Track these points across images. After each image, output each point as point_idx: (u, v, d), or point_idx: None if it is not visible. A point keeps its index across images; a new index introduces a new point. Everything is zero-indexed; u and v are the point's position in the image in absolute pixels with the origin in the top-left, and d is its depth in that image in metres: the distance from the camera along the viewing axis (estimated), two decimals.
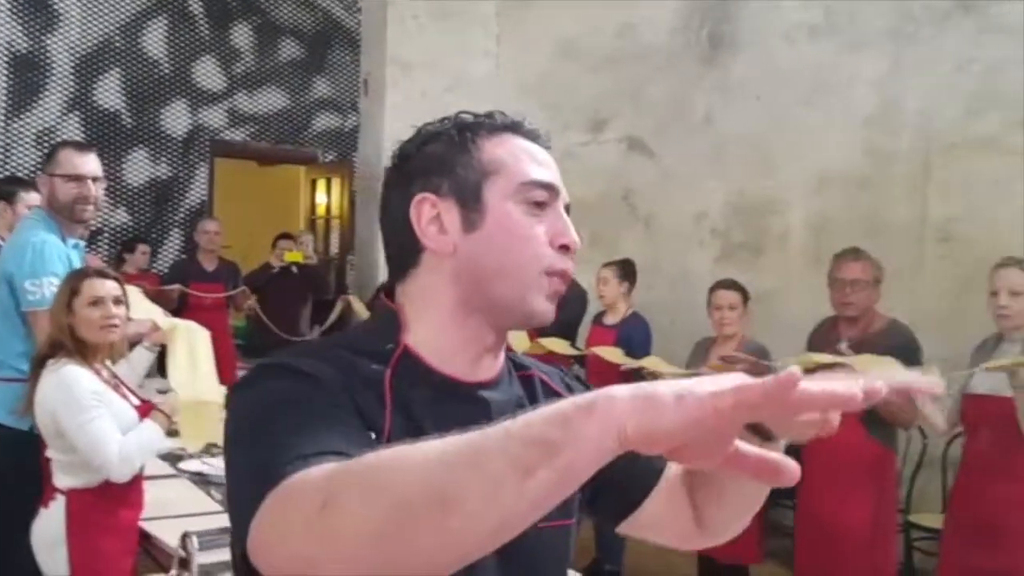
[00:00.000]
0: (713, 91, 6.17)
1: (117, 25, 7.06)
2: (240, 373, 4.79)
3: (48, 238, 2.99)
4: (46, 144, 6.24)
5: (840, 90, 5.38)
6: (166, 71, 7.26)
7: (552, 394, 1.09)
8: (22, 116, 6.74)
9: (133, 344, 2.98)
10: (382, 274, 7.00)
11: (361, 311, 6.41)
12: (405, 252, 1.01)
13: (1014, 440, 2.92)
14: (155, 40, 7.21)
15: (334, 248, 8.08)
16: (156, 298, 5.28)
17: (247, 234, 8.57)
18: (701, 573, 3.89)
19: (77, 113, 6.95)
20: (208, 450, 3.61)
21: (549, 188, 1.00)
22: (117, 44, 7.07)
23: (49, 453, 2.55)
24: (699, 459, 0.67)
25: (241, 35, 7.55)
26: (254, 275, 6.63)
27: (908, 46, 5.09)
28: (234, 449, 0.87)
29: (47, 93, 6.83)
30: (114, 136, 7.08)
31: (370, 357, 0.95)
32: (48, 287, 2.81)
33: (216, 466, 3.38)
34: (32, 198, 3.57)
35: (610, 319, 4.65)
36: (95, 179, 3.05)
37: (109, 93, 7.06)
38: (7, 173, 6.32)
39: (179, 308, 5.72)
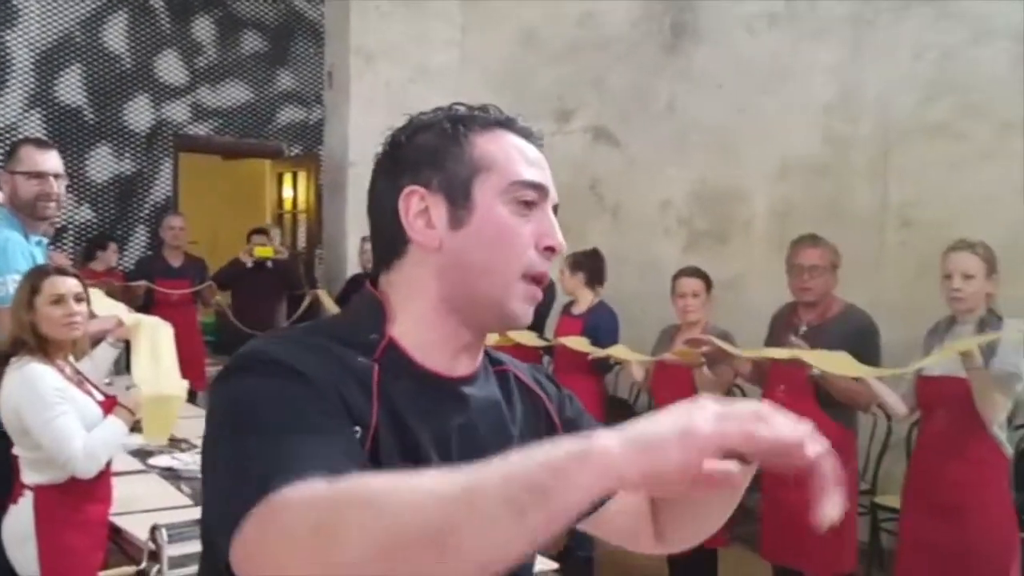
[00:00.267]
0: (676, 80, 6.23)
1: (77, 20, 6.98)
2: (210, 370, 4.81)
3: (11, 236, 2.97)
4: (7, 141, 6.16)
5: (800, 78, 5.45)
6: (128, 66, 7.18)
7: (526, 391, 1.10)
8: None
9: (97, 341, 2.98)
10: (351, 267, 7.00)
11: (330, 305, 6.41)
12: (391, 242, 1.00)
13: (968, 420, 2.98)
14: (116, 35, 7.13)
15: (301, 242, 8.06)
16: (122, 295, 5.28)
17: (213, 229, 8.52)
18: (670, 557, 3.95)
19: (38, 110, 6.86)
20: (177, 445, 3.62)
21: (539, 189, 1.00)
22: (78, 39, 6.99)
23: (16, 450, 2.55)
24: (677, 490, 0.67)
25: (203, 28, 7.49)
26: (225, 271, 6.58)
27: (867, 33, 5.16)
28: (217, 447, 0.85)
29: (7, 90, 6.74)
30: (76, 132, 7.00)
31: (355, 347, 0.94)
32: (11, 284, 2.80)
33: (185, 461, 3.39)
34: None
35: (577, 309, 4.69)
36: (57, 176, 3.03)
37: (70, 89, 6.98)
38: None
39: (145, 305, 5.69)
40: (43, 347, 2.53)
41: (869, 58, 5.14)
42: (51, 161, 3.04)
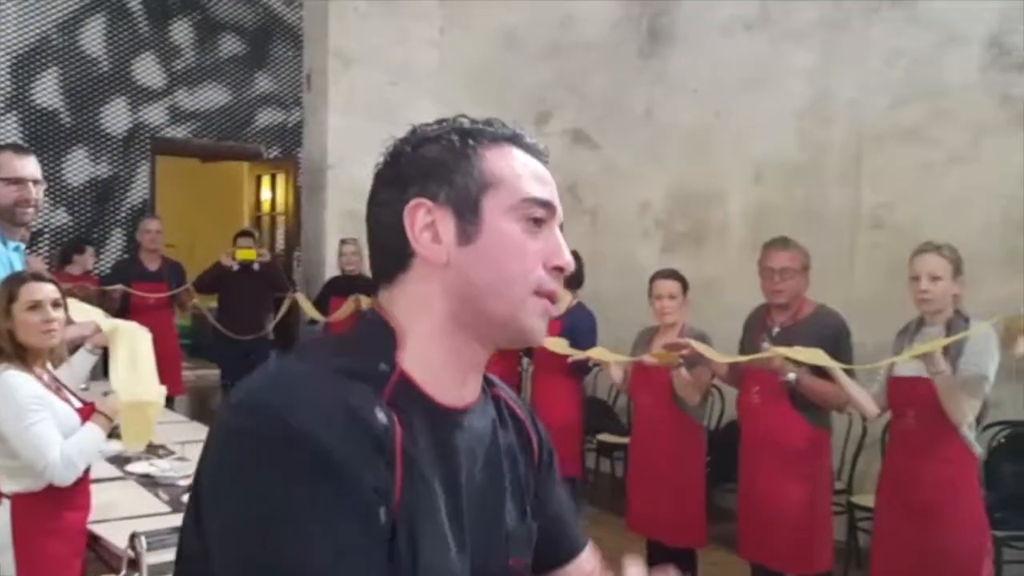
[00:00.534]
0: (653, 84, 6.28)
1: (54, 23, 6.94)
2: (186, 374, 4.77)
3: None
4: None
5: (774, 83, 5.51)
6: (105, 69, 7.15)
7: (517, 422, 1.09)
8: None
9: (75, 347, 2.97)
10: (329, 269, 6.99)
11: (309, 309, 6.40)
12: (394, 255, 0.97)
13: (938, 421, 3.01)
14: (93, 38, 7.10)
15: (280, 244, 8.04)
16: (99, 300, 5.26)
17: (190, 232, 8.49)
18: (650, 558, 3.98)
19: (14, 113, 6.82)
20: (155, 451, 3.62)
21: (548, 206, 0.98)
22: (54, 42, 6.95)
23: None
24: None
25: (181, 31, 7.47)
26: (208, 275, 6.52)
27: (838, 39, 5.22)
28: (238, 537, 0.82)
29: None
30: (53, 135, 6.96)
31: (363, 379, 0.88)
32: None
33: (163, 467, 3.39)
34: None
35: (555, 310, 4.70)
36: (35, 182, 3.02)
37: (47, 92, 6.94)
38: None
39: (122, 309, 5.66)
40: (20, 354, 2.52)
41: (841, 63, 5.20)
42: (30, 167, 3.03)
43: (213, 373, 6.76)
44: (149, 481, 3.27)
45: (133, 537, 2.25)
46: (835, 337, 3.43)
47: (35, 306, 2.53)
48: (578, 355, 4.12)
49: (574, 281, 4.61)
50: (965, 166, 4.60)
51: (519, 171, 0.98)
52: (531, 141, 1.02)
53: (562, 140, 6.71)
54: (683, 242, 6.05)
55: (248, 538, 0.81)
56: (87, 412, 2.60)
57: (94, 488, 2.70)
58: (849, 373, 3.33)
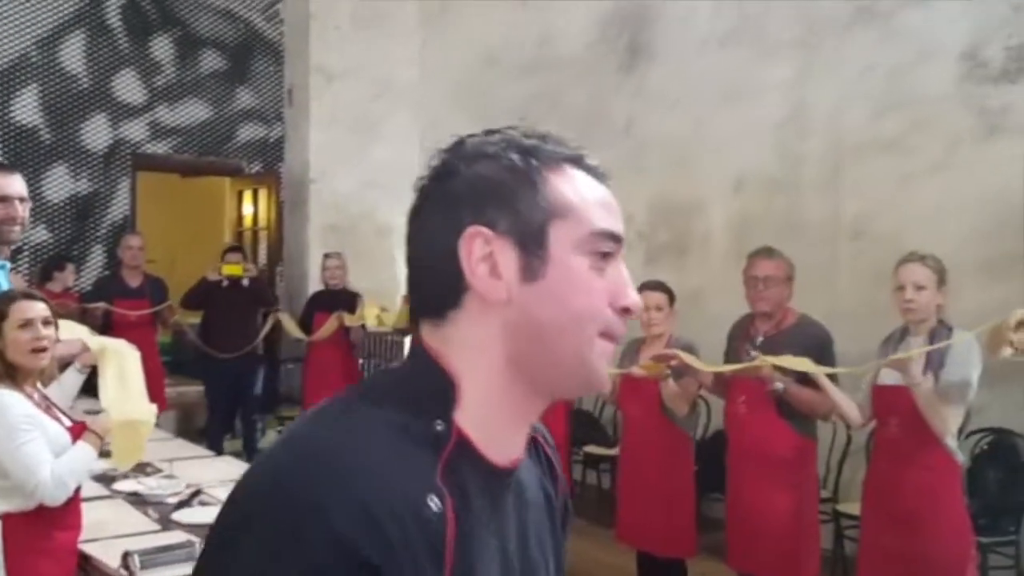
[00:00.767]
0: (633, 98, 6.34)
1: (34, 40, 6.93)
2: (168, 391, 4.71)
3: None
4: None
5: (753, 96, 5.57)
6: (85, 85, 7.14)
7: (551, 466, 1.01)
8: None
9: (63, 365, 2.96)
10: (312, 284, 6.99)
11: (292, 328, 6.38)
12: (444, 288, 0.85)
13: (921, 429, 3.04)
14: (73, 54, 7.08)
15: (262, 259, 8.03)
16: (80, 317, 5.22)
17: (171, 248, 8.46)
18: (640, 568, 3.99)
19: None
20: (142, 469, 3.60)
21: (617, 240, 0.88)
22: (34, 59, 6.93)
23: None
24: None
25: (161, 47, 7.46)
26: (195, 291, 6.45)
27: (815, 53, 5.30)
28: None
29: None
30: (33, 152, 6.94)
31: (420, 443, 0.79)
32: None
33: (150, 486, 3.38)
34: None
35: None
36: (21, 200, 3.01)
37: (27, 109, 6.92)
38: None
39: (104, 326, 5.63)
40: (11, 373, 2.51)
41: (818, 76, 5.28)
42: (15, 184, 3.02)
43: (194, 390, 6.72)
44: (137, 499, 3.25)
45: (126, 556, 2.25)
46: (818, 347, 3.46)
47: (26, 324, 2.52)
48: None
49: None
50: (943, 176, 4.67)
51: (587, 199, 0.88)
52: (594, 162, 0.92)
53: None
54: (666, 253, 6.09)
55: None
56: (77, 431, 2.58)
57: (82, 507, 2.69)
58: (833, 379, 3.36)
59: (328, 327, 6.10)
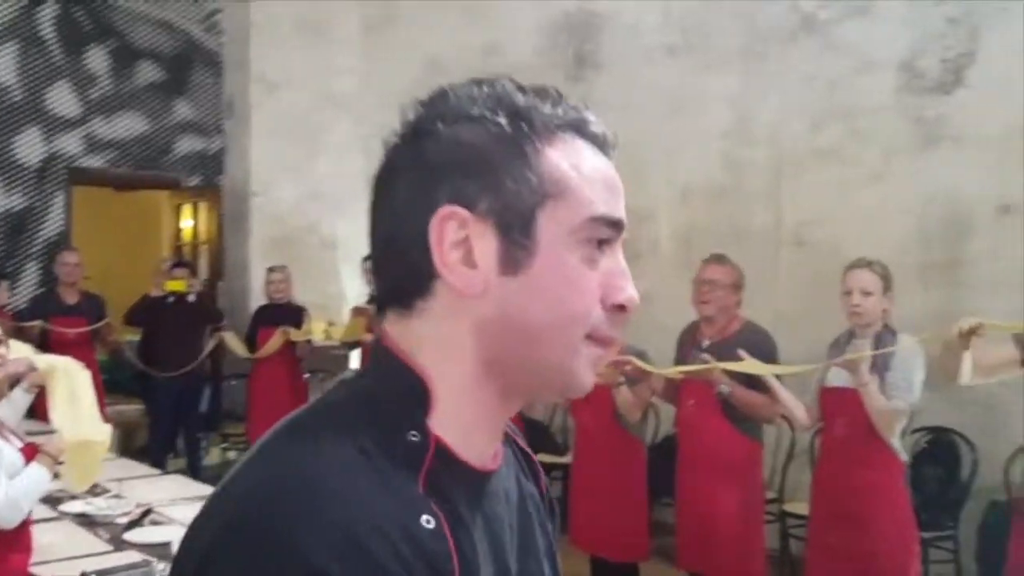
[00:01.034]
0: None
1: None
2: (107, 411, 4.59)
3: None
4: None
5: (698, 106, 5.68)
6: (18, 98, 6.96)
7: (530, 462, 0.92)
8: None
9: (11, 384, 2.88)
10: (255, 299, 6.88)
11: (236, 347, 6.26)
12: (411, 274, 0.74)
13: (867, 429, 3.14)
14: (5, 66, 6.91)
15: (203, 274, 7.90)
16: (16, 336, 5.07)
17: (106, 263, 8.27)
18: (594, 573, 4.02)
19: None
20: (91, 490, 3.51)
21: (618, 227, 0.76)
22: None
23: None
24: None
25: (97, 59, 7.32)
26: (138, 308, 6.32)
27: (758, 64, 5.42)
28: None
29: None
30: None
31: (396, 461, 0.69)
32: None
33: (99, 506, 3.30)
34: None
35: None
36: None
37: None
38: None
39: (41, 345, 5.48)
40: None
41: (761, 87, 5.40)
42: None
43: (133, 408, 6.58)
44: (86, 520, 3.18)
45: None
46: (762, 352, 3.54)
47: None
48: None
49: None
50: (881, 184, 4.82)
51: (588, 176, 0.74)
52: (598, 128, 0.78)
53: None
54: None
55: None
56: (30, 452, 2.52)
57: (32, 530, 2.62)
58: (778, 379, 3.45)
59: (273, 343, 6.01)
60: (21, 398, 2.90)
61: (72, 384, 2.83)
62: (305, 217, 7.43)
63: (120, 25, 7.42)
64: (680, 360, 3.81)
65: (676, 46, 5.84)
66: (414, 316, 0.74)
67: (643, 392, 3.82)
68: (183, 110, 7.76)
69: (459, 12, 7.07)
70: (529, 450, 0.93)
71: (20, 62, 6.98)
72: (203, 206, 7.88)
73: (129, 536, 2.96)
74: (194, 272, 6.72)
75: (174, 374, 6.15)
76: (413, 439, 0.71)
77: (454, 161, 0.73)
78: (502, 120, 0.73)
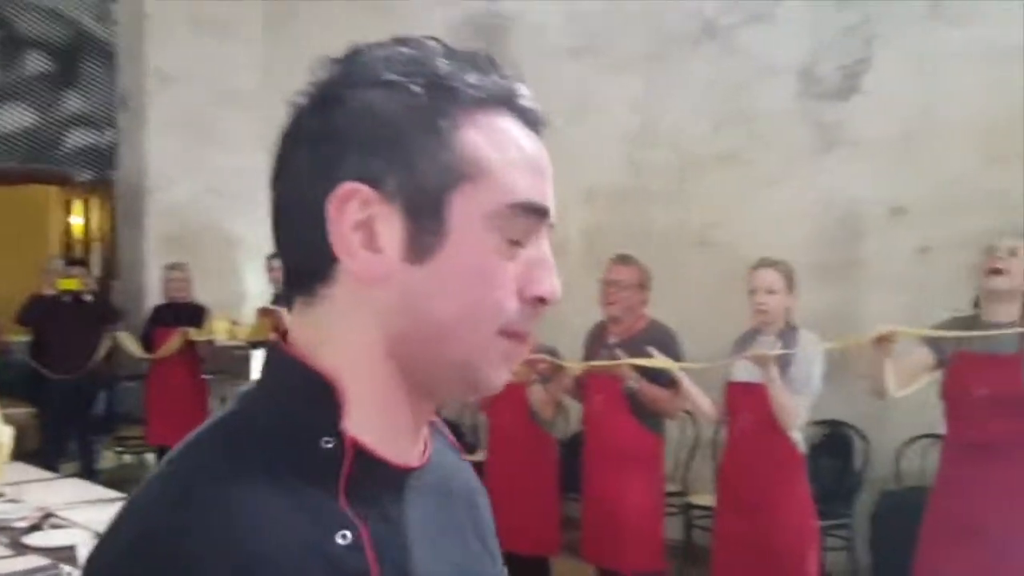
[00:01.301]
0: None
1: None
2: None
3: None
4: None
5: (603, 108, 5.77)
6: None
7: (455, 450, 0.85)
8: None
9: None
10: (150, 298, 6.66)
11: (132, 347, 6.06)
12: (311, 256, 0.67)
13: (770, 423, 3.25)
14: None
15: (96, 273, 7.61)
16: None
17: None
18: (504, 565, 4.04)
19: None
20: None
21: (541, 213, 0.70)
22: None
23: None
24: None
25: None
26: (29, 308, 6.06)
27: (661, 68, 5.55)
28: None
29: None
30: None
31: (303, 472, 0.64)
32: None
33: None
34: None
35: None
36: None
37: None
38: None
39: None
40: None
41: (664, 91, 5.53)
42: None
43: (22, 411, 6.28)
44: None
45: None
46: (667, 349, 3.63)
47: None
48: None
49: None
50: (780, 187, 5.00)
51: (510, 159, 0.68)
52: (530, 103, 0.71)
53: None
54: None
55: None
56: None
57: None
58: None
59: (172, 343, 5.84)
60: None
61: None
62: (204, 214, 7.24)
63: (6, 13, 7.08)
64: (588, 358, 3.87)
65: (581, 48, 5.92)
66: (317, 304, 0.68)
67: (556, 389, 3.87)
68: (73, 102, 7.46)
69: (363, 9, 7.00)
70: (457, 444, 0.87)
71: None
72: (95, 202, 7.59)
73: (29, 540, 2.85)
74: (91, 272, 6.46)
75: (68, 376, 5.91)
76: (327, 446, 0.65)
77: (361, 133, 0.66)
78: (418, 89, 0.66)
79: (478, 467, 4.79)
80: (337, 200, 0.65)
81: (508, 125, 0.69)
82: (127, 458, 6.54)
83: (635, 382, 3.57)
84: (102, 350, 6.21)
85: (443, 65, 0.67)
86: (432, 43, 0.69)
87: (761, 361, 3.19)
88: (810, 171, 4.91)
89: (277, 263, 5.38)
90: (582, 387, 3.89)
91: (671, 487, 4.82)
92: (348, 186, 0.65)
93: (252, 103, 7.34)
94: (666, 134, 5.53)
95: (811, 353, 3.27)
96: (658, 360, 3.49)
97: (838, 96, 4.85)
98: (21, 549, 2.79)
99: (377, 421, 0.67)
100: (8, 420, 6.18)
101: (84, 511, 3.13)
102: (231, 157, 7.18)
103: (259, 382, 0.70)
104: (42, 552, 2.73)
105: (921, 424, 4.14)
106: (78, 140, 7.52)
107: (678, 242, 5.39)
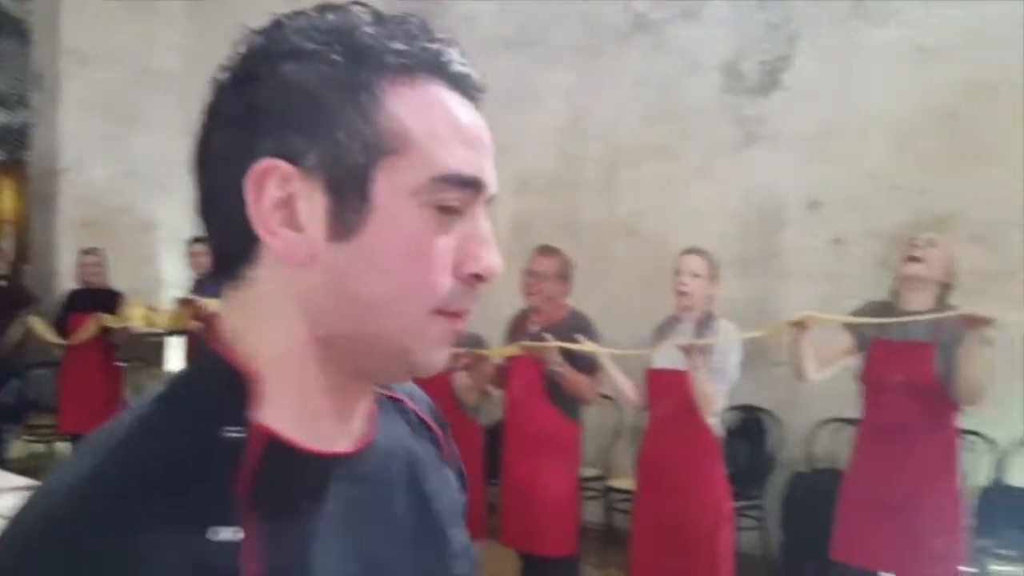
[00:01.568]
0: None
1: None
2: None
3: None
4: None
5: (536, 99, 5.82)
6: None
7: (425, 429, 0.83)
8: None
9: None
10: (63, 283, 6.46)
11: (44, 333, 5.86)
12: (232, 236, 0.65)
13: (688, 408, 3.35)
14: None
15: (7, 256, 7.34)
16: None
17: None
18: None
19: None
20: None
21: (473, 186, 0.67)
22: None
23: None
24: None
25: None
26: None
27: (593, 61, 5.62)
28: None
29: None
30: None
31: (199, 463, 0.61)
32: None
33: None
34: None
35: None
36: None
37: None
38: None
39: None
40: None
41: (596, 84, 5.60)
42: None
43: None
44: None
45: None
46: (586, 337, 3.69)
47: None
48: None
49: None
50: (704, 180, 5.12)
51: (439, 129, 0.65)
52: (462, 68, 0.68)
53: None
54: None
55: None
56: None
57: None
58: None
59: (87, 329, 5.67)
60: None
61: None
62: (120, 197, 7.04)
63: None
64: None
65: (513, 40, 5.95)
66: (243, 288, 0.66)
67: (480, 376, 3.89)
68: None
69: None
70: (432, 422, 0.84)
71: None
72: (6, 183, 7.33)
73: None
74: (2, 255, 6.24)
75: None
76: (231, 436, 0.62)
77: (280, 107, 0.63)
78: (337, 58, 0.63)
79: None
80: (255, 177, 0.62)
81: (438, 94, 0.66)
82: (39, 447, 6.33)
83: (559, 365, 3.62)
84: (14, 335, 6.00)
85: (367, 32, 0.64)
86: (358, 9, 0.66)
87: (688, 350, 3.26)
88: (733, 164, 5.04)
89: (198, 248, 5.28)
90: (503, 374, 3.92)
91: (593, 471, 4.91)
92: (266, 163, 0.62)
93: (174, 84, 7.17)
94: (597, 126, 5.60)
95: (730, 342, 3.36)
96: (587, 344, 3.54)
97: (759, 92, 4.98)
98: None
99: (297, 410, 0.65)
100: None
101: None
102: (151, 140, 7.00)
103: (181, 372, 0.69)
104: None
105: (831, 408, 4.29)
106: None
107: (606, 232, 5.47)
